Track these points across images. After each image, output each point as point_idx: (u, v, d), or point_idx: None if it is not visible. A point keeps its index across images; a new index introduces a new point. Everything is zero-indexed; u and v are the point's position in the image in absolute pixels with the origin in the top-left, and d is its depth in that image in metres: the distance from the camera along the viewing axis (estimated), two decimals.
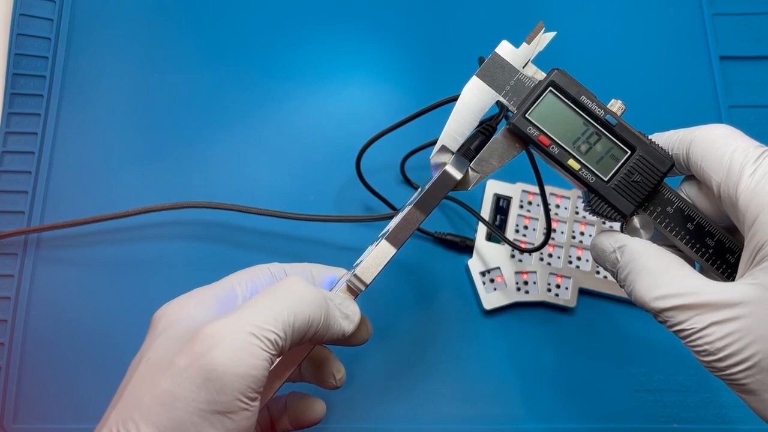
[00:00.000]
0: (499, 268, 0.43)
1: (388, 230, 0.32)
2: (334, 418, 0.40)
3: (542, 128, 0.30)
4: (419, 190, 0.37)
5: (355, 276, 0.31)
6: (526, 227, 0.44)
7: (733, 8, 0.51)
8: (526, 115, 0.30)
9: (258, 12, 0.50)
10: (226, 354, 0.25)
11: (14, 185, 0.44)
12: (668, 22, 0.51)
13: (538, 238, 0.43)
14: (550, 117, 0.30)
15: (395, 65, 0.49)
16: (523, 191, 0.44)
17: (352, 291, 0.31)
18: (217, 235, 0.44)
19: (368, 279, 0.31)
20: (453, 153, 0.31)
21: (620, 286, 0.30)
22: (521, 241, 0.43)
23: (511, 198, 0.44)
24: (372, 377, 0.41)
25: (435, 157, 0.32)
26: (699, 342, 0.27)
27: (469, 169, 0.31)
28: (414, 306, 0.43)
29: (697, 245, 0.30)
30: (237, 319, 0.26)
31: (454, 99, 0.37)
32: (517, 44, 0.32)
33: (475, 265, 0.43)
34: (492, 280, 0.43)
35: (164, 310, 0.29)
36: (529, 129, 0.30)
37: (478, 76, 0.31)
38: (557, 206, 0.44)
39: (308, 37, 0.50)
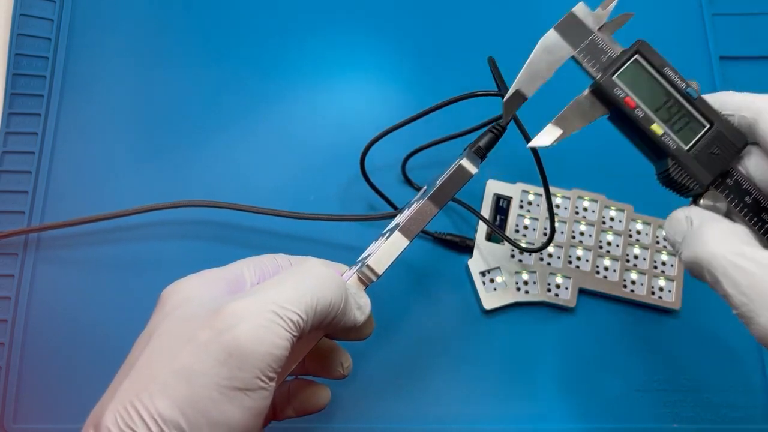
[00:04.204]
0: (499, 268, 0.43)
1: (398, 225, 0.32)
2: (334, 417, 0.40)
3: (628, 92, 0.31)
4: (424, 189, 0.37)
5: (368, 267, 0.31)
6: (526, 227, 0.44)
7: (733, 8, 0.51)
8: (613, 78, 0.31)
9: (258, 12, 0.50)
10: (249, 331, 0.25)
11: (14, 185, 0.44)
12: (668, 22, 0.51)
13: (538, 238, 0.43)
14: (635, 83, 0.31)
15: (396, 65, 0.49)
16: (523, 191, 0.44)
17: (363, 282, 0.31)
18: (217, 234, 0.44)
19: (381, 270, 0.31)
20: (526, 99, 0.32)
21: (680, 255, 0.30)
22: (520, 242, 0.43)
23: (511, 198, 0.44)
24: (372, 377, 0.41)
25: (508, 101, 0.32)
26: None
27: (551, 127, 0.31)
28: (414, 306, 0.43)
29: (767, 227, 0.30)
30: (261, 298, 0.26)
31: (459, 99, 0.37)
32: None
33: (475, 265, 0.43)
34: (492, 280, 0.43)
35: (174, 288, 0.29)
36: (616, 90, 0.31)
37: (555, 30, 0.32)
38: (557, 206, 0.44)
39: (309, 37, 0.50)
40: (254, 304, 0.26)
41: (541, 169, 0.36)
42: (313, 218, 0.42)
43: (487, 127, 0.33)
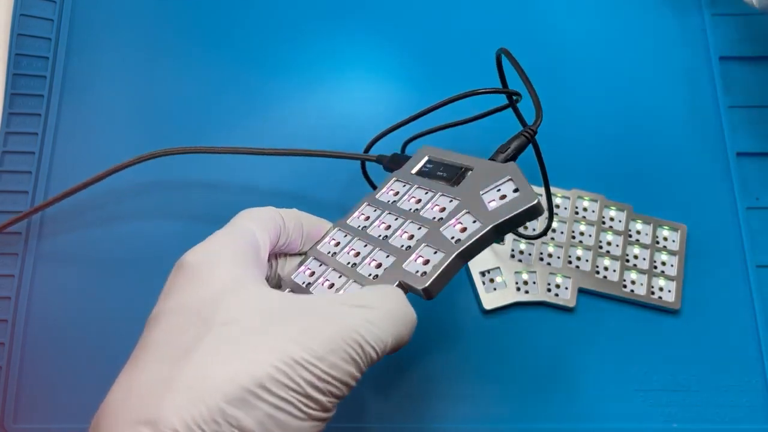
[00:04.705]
0: (499, 268, 0.43)
1: (428, 222, 0.31)
2: (333, 417, 0.40)
3: None
4: (425, 160, 0.35)
5: (425, 291, 0.29)
6: (525, 227, 0.44)
7: (733, 8, 0.51)
8: None
9: (259, 11, 0.50)
10: (337, 363, 0.25)
11: (14, 185, 0.44)
12: (668, 23, 0.51)
13: None
14: None
15: (397, 64, 0.49)
16: None
17: (405, 291, 0.30)
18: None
19: (437, 293, 0.29)
20: None
21: None
22: (520, 242, 0.43)
23: None
24: (371, 377, 0.41)
25: None
26: None
27: None
28: (413, 306, 0.43)
29: None
30: (353, 325, 0.25)
31: (461, 97, 0.37)
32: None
33: (475, 264, 0.43)
34: (492, 280, 0.43)
35: (203, 258, 0.27)
36: None
37: None
38: (557, 206, 0.44)
39: (309, 35, 0.50)
40: (346, 332, 0.25)
41: (538, 154, 0.36)
42: (288, 154, 0.40)
43: (517, 132, 0.33)
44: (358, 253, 0.32)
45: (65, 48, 0.48)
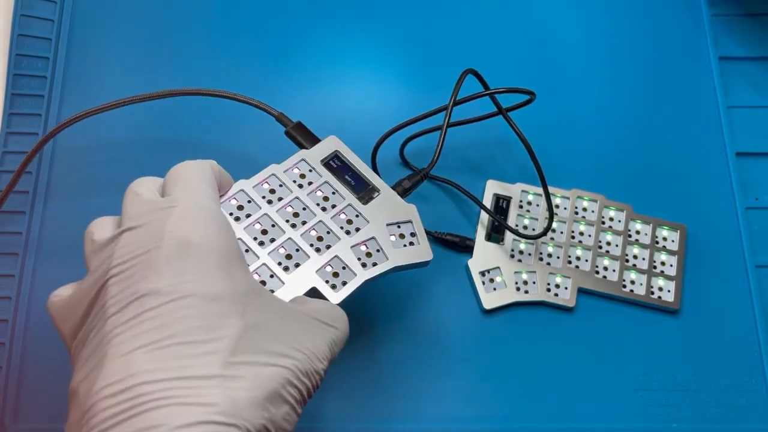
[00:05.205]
0: (498, 268, 0.43)
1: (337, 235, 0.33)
2: (331, 417, 0.40)
3: None
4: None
5: (337, 305, 0.32)
6: (525, 227, 0.44)
7: (733, 8, 0.51)
8: None
9: (260, 12, 0.50)
10: (323, 373, 0.29)
11: (15, 185, 0.44)
12: (668, 23, 0.51)
13: None
14: None
15: (399, 62, 0.49)
16: (523, 191, 0.44)
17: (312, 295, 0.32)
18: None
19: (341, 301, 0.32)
20: None
21: None
22: (520, 242, 0.43)
23: (510, 198, 0.44)
24: (370, 377, 0.41)
25: None
26: None
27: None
28: (413, 306, 0.43)
29: None
30: (328, 346, 0.29)
31: (477, 96, 0.38)
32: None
33: (475, 264, 0.43)
34: (492, 280, 0.43)
35: (205, 242, 0.28)
36: None
37: None
38: (556, 206, 0.44)
39: (311, 35, 0.50)
40: (327, 351, 0.29)
41: (532, 156, 0.36)
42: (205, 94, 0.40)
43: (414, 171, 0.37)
44: (265, 231, 0.33)
45: (65, 48, 0.48)
